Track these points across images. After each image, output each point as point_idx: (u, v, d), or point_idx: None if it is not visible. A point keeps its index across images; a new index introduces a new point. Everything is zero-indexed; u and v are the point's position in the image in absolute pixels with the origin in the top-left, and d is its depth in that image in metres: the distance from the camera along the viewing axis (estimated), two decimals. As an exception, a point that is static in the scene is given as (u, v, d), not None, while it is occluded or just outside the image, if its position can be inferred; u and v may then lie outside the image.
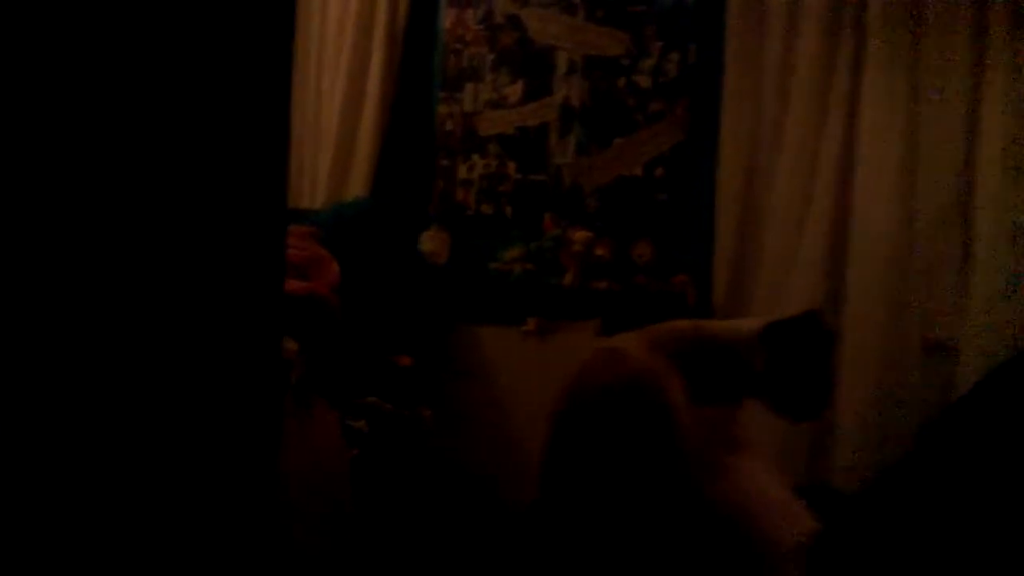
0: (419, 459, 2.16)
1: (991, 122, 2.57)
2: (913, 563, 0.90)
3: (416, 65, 3.39)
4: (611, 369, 1.65)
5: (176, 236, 0.85)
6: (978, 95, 2.61)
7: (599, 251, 2.97)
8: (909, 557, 0.92)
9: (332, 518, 1.83)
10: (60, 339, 0.78)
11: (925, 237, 2.62)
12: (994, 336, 2.47)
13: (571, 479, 1.60)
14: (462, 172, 3.33)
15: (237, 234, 0.91)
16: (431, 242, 3.01)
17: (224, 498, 0.94)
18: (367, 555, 1.85)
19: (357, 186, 3.27)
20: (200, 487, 0.90)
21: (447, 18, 3.33)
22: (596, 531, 1.54)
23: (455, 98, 3.35)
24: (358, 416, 2.07)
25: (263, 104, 0.93)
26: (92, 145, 0.79)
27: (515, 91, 3.29)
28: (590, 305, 2.87)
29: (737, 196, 2.89)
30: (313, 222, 2.69)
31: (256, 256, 0.95)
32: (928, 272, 2.62)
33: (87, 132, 0.78)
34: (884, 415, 2.56)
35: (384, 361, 2.38)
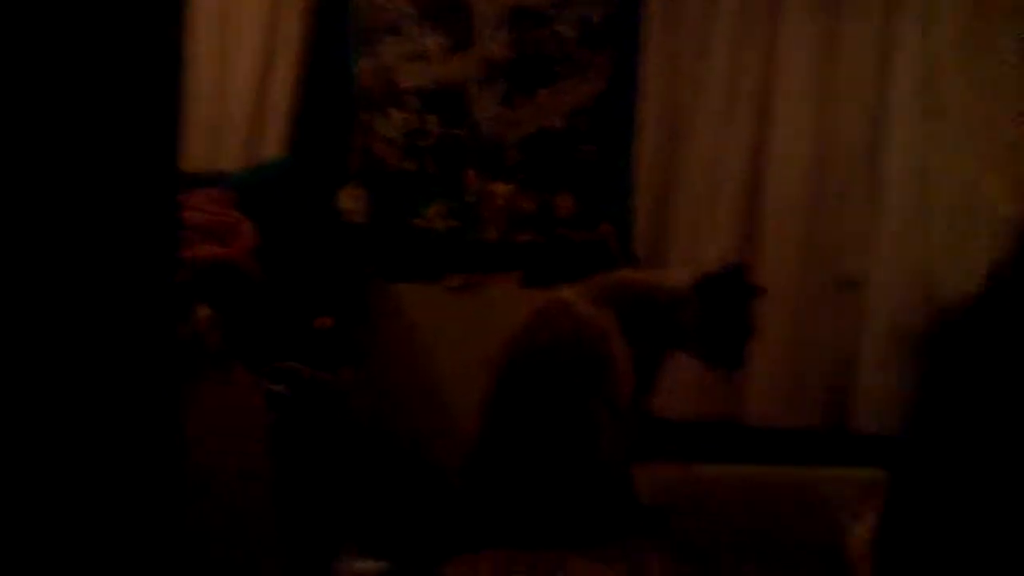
0: (341, 421, 2.15)
1: (902, 65, 2.62)
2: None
3: (332, 17, 3.30)
4: (558, 321, 1.65)
5: (51, 207, 0.81)
6: (890, 40, 2.66)
7: (522, 204, 2.96)
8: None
9: (252, 484, 1.82)
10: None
11: (837, 179, 2.68)
12: (902, 272, 2.55)
13: (514, 430, 1.60)
14: (382, 128, 3.27)
15: (121, 203, 0.88)
16: (351, 200, 2.96)
17: (120, 484, 0.91)
18: (289, 520, 1.84)
19: (273, 145, 3.20)
20: (91, 476, 0.88)
21: (364, -32, 3.24)
22: (537, 479, 1.55)
23: (374, 52, 3.28)
24: (278, 380, 2.05)
25: (149, 58, 0.89)
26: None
27: (436, 44, 3.23)
28: (514, 258, 2.87)
29: (657, 145, 2.91)
30: (228, 185, 2.62)
31: (145, 227, 0.91)
32: (840, 212, 2.68)
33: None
34: (797, 349, 2.64)
35: (305, 324, 2.35)
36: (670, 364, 1.83)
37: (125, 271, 0.89)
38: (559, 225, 2.95)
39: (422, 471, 2.17)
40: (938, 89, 2.57)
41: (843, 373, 2.64)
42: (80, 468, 0.85)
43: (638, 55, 2.97)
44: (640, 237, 2.90)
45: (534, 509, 1.54)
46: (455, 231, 3.04)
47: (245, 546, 1.75)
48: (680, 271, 1.87)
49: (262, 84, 3.22)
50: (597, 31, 3.07)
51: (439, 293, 2.83)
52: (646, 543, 1.57)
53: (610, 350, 1.59)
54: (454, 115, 3.21)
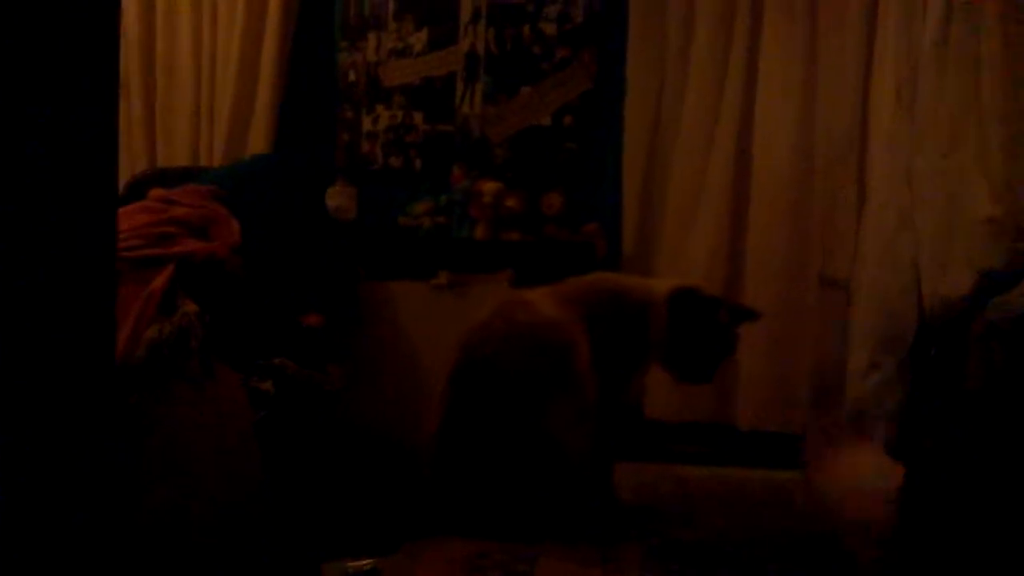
0: (329, 419, 2.13)
1: (883, 64, 2.63)
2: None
3: (315, 13, 3.28)
4: (515, 316, 1.65)
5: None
6: (871, 38, 2.67)
7: (509, 202, 2.95)
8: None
9: (239, 483, 1.79)
10: None
11: (823, 178, 2.69)
12: (886, 273, 2.55)
13: (471, 421, 1.58)
14: (367, 124, 3.25)
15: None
16: (338, 197, 2.93)
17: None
18: (276, 518, 1.82)
19: (258, 141, 3.17)
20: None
21: (346, -36, 3.22)
22: (497, 469, 1.54)
23: (357, 47, 3.26)
24: (264, 377, 2.02)
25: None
26: None
27: (419, 39, 3.21)
28: (502, 257, 2.85)
29: (643, 143, 2.90)
30: (212, 180, 2.59)
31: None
32: (825, 212, 2.69)
33: None
34: (783, 350, 2.64)
35: (291, 321, 2.32)
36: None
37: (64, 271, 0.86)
38: (547, 223, 2.94)
39: (408, 469, 2.15)
40: (922, 88, 2.58)
41: (830, 375, 2.63)
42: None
43: (623, 53, 2.96)
44: (627, 236, 2.89)
45: (502, 499, 1.52)
46: (441, 228, 3.02)
47: (234, 542, 1.72)
48: (661, 281, 1.88)
49: (246, 80, 3.18)
50: (580, 28, 3.07)
51: (427, 292, 2.81)
52: (623, 542, 1.56)
53: (570, 347, 1.58)
54: (440, 111, 3.19)
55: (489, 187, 2.97)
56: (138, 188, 2.55)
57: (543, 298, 1.72)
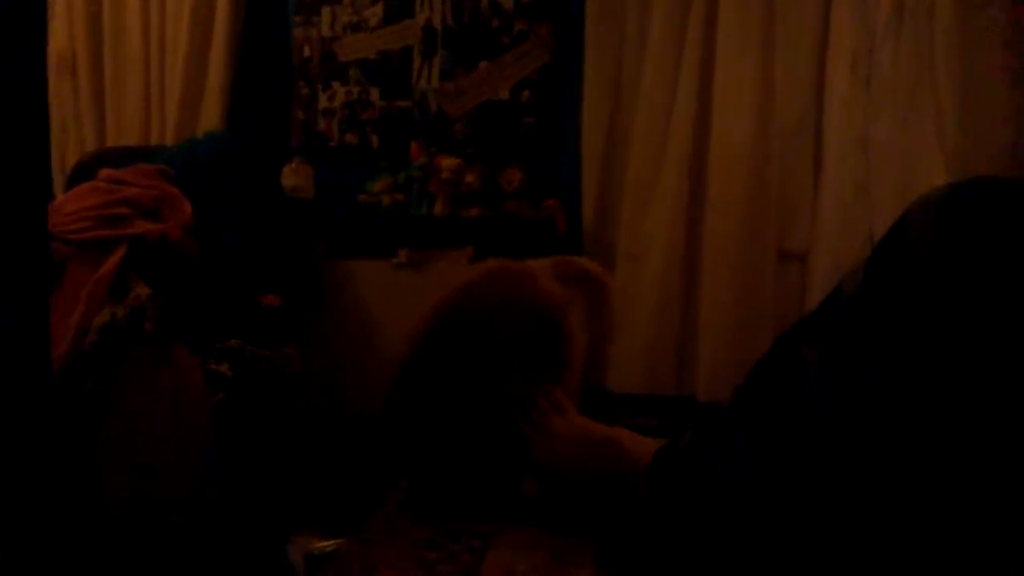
0: (286, 399, 2.11)
1: (840, 34, 2.65)
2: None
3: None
4: (515, 284, 1.56)
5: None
6: (828, 9, 2.68)
7: (468, 178, 2.93)
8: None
9: (198, 467, 1.77)
10: None
11: (780, 150, 2.70)
12: (843, 244, 2.58)
13: (437, 387, 1.51)
14: (323, 101, 3.20)
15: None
16: (294, 176, 2.89)
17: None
18: (236, 501, 1.81)
19: (210, 119, 3.10)
20: None
21: (299, -65, 3.15)
22: (459, 449, 1.48)
23: (311, 22, 3.19)
24: (220, 359, 2.00)
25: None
26: None
27: (375, 13, 3.16)
28: (461, 233, 2.84)
29: (602, 117, 2.89)
30: (163, 159, 2.54)
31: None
32: (782, 184, 2.70)
33: None
34: (742, 323, 2.66)
35: (249, 302, 2.29)
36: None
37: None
38: (507, 199, 2.92)
39: (368, 447, 2.14)
40: (877, 59, 2.59)
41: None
42: None
43: (581, 26, 2.94)
44: (587, 210, 2.89)
45: (460, 479, 1.47)
46: (400, 206, 2.99)
47: (194, 526, 1.71)
48: None
49: (198, 56, 3.11)
50: (536, 1, 3.04)
51: (387, 270, 2.79)
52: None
53: (570, 326, 1.53)
54: (397, 87, 3.15)
55: (448, 163, 2.95)
56: (87, 168, 2.49)
57: (542, 273, 1.63)
